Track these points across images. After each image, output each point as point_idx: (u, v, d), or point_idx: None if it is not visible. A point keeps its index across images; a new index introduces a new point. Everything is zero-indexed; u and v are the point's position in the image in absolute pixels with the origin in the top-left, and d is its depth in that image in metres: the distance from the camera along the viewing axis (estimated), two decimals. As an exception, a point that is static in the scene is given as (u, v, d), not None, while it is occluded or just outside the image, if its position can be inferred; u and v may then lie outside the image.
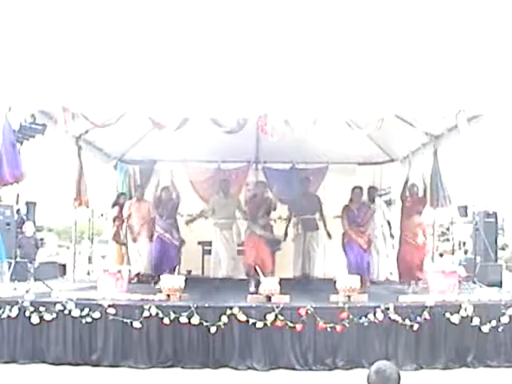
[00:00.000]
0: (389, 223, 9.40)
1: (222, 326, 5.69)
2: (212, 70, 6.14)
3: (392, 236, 9.21)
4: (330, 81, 6.12)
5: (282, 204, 9.53)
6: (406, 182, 8.10)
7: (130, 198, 9.53)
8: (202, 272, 9.84)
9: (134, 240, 8.85)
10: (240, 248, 8.64)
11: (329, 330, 5.67)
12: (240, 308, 5.73)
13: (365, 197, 8.47)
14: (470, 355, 5.78)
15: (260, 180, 9.63)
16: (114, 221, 9.35)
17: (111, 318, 5.75)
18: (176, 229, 8.88)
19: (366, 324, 5.72)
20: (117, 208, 9.34)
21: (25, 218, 10.17)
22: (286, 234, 9.04)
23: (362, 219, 8.13)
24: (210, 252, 9.00)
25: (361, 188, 8.31)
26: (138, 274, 8.76)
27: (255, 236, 7.92)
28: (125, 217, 8.99)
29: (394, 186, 10.03)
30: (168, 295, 6.08)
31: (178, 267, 6.81)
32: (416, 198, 7.98)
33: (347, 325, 5.69)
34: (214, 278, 8.39)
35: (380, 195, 10.04)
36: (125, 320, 5.74)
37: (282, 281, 6.30)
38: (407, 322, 5.74)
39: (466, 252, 11.94)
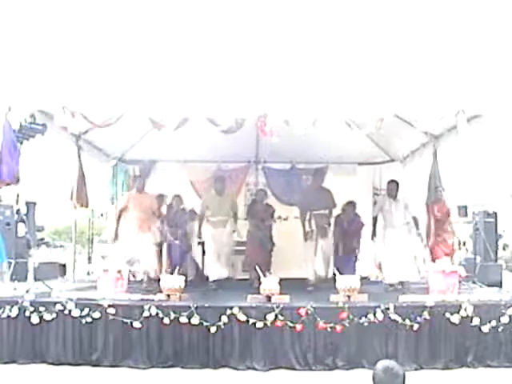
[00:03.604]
0: (415, 220, 8.90)
1: (222, 326, 5.68)
2: (212, 70, 6.15)
3: (419, 235, 8.51)
4: (330, 81, 6.13)
5: (283, 205, 9.54)
6: (430, 186, 8.14)
7: None
8: (202, 272, 9.83)
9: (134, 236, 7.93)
10: (240, 248, 8.63)
11: (329, 329, 5.67)
12: (240, 308, 5.72)
13: (368, 201, 8.48)
14: (469, 355, 5.77)
15: (260, 188, 9.59)
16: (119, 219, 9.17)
17: (111, 317, 5.75)
18: (185, 235, 8.94)
19: (365, 324, 5.72)
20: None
21: (25, 218, 10.16)
22: (305, 233, 8.66)
23: (352, 232, 8.39)
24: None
25: (353, 203, 8.40)
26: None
27: (256, 237, 8.09)
28: (120, 208, 8.15)
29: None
30: (168, 295, 6.07)
31: (177, 268, 6.81)
32: (443, 201, 8.00)
33: (347, 325, 5.69)
34: (213, 280, 8.09)
35: (380, 195, 10.04)
36: (125, 320, 5.73)
37: (289, 281, 6.30)
38: (407, 322, 5.73)
39: (466, 251, 11.92)
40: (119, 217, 8.05)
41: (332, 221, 8.33)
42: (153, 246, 8.04)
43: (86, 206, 8.88)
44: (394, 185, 8.29)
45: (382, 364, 2.79)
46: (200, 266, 9.04)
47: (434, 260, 7.71)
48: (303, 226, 8.27)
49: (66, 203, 8.59)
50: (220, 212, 8.30)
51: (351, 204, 8.51)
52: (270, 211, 8.75)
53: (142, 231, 7.88)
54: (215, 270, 8.08)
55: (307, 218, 8.27)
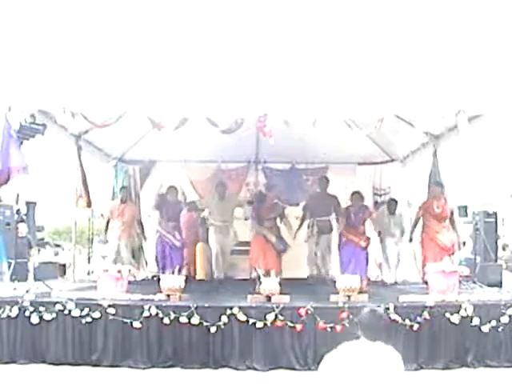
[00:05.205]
0: (402, 232, 9.02)
1: (222, 326, 5.69)
2: (212, 70, 6.14)
3: (411, 239, 8.56)
4: (330, 81, 6.12)
5: (283, 205, 9.52)
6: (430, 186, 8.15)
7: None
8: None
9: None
10: (244, 248, 8.63)
11: (329, 329, 5.67)
12: (240, 308, 5.72)
13: (368, 201, 8.49)
14: (469, 355, 5.77)
15: (271, 184, 9.56)
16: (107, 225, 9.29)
17: (111, 317, 5.75)
18: (179, 231, 8.85)
19: (366, 324, 5.71)
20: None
21: (25, 218, 10.15)
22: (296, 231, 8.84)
23: (359, 221, 8.23)
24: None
25: (359, 193, 8.39)
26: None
27: (261, 237, 8.06)
28: (107, 217, 8.81)
29: (394, 186, 10.04)
30: (168, 295, 6.07)
31: (177, 268, 6.81)
32: (443, 201, 7.93)
33: (347, 325, 5.68)
34: (216, 278, 8.40)
35: (380, 195, 10.07)
36: (125, 320, 5.74)
37: (290, 281, 6.28)
38: (407, 322, 5.73)
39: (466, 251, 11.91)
40: (107, 223, 8.82)
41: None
42: (130, 251, 8.77)
43: (89, 207, 8.99)
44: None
45: (366, 309, 3.25)
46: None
47: (426, 256, 7.76)
48: (300, 224, 8.57)
49: (67, 203, 8.66)
50: (223, 217, 8.39)
51: (356, 194, 8.37)
52: (277, 210, 8.38)
53: (121, 238, 8.64)
54: (217, 269, 8.45)
55: (309, 223, 8.49)
